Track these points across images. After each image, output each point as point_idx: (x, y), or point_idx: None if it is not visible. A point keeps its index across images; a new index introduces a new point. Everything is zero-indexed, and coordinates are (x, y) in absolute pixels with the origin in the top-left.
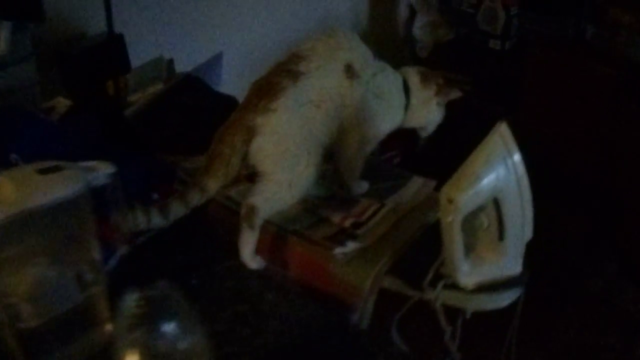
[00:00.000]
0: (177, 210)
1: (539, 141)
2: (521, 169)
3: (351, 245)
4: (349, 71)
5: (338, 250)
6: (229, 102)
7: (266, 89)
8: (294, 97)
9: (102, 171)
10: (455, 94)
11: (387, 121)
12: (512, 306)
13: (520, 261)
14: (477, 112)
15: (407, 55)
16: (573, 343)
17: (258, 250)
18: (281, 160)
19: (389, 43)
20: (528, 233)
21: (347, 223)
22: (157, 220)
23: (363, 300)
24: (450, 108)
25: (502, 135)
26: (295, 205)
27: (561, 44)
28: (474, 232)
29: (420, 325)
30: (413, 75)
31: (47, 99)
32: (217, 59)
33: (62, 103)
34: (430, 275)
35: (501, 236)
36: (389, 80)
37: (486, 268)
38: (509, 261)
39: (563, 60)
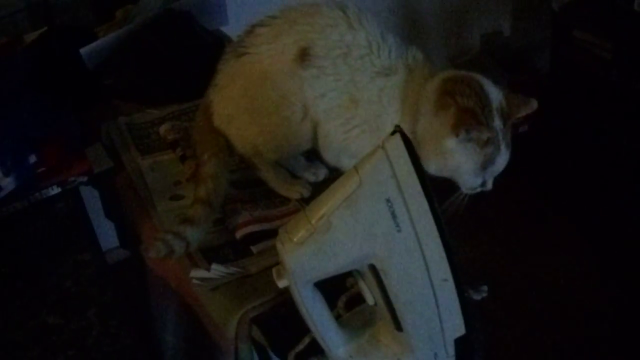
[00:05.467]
0: (204, 210)
1: None
2: (426, 221)
3: (216, 271)
4: (303, 57)
5: (193, 274)
6: (217, 42)
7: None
8: (233, 72)
9: None
10: (481, 133)
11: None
12: None
13: None
14: (617, 90)
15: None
16: None
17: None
18: (233, 133)
19: None
20: (453, 327)
21: (241, 233)
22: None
23: (232, 346)
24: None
25: (389, 154)
26: None
27: None
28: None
29: None
30: (431, 88)
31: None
32: None
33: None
34: (301, 347)
35: (397, 325)
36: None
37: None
38: None
39: None
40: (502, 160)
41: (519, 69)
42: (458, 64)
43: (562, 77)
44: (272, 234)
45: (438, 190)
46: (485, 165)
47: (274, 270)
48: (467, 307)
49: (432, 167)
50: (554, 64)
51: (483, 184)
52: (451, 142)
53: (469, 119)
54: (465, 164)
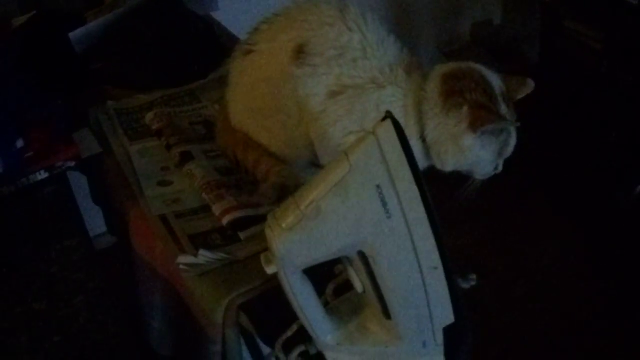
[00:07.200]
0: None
1: None
2: (416, 208)
3: (204, 257)
4: (298, 55)
5: (181, 260)
6: (207, 28)
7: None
8: (241, 70)
9: None
10: (498, 125)
11: None
12: None
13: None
14: (607, 81)
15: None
16: None
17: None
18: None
19: None
20: (442, 316)
21: (228, 219)
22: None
23: (220, 333)
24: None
25: (379, 140)
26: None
27: None
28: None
29: None
30: (432, 89)
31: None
32: None
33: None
34: (289, 334)
35: (386, 313)
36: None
37: (367, 347)
38: (408, 353)
39: None
40: (513, 142)
41: (509, 58)
42: (448, 53)
43: (552, 67)
44: (260, 220)
45: (429, 177)
46: (501, 152)
47: (262, 257)
48: (457, 296)
49: (450, 165)
50: (544, 54)
51: (495, 167)
52: (469, 140)
53: (485, 114)
54: (484, 155)
